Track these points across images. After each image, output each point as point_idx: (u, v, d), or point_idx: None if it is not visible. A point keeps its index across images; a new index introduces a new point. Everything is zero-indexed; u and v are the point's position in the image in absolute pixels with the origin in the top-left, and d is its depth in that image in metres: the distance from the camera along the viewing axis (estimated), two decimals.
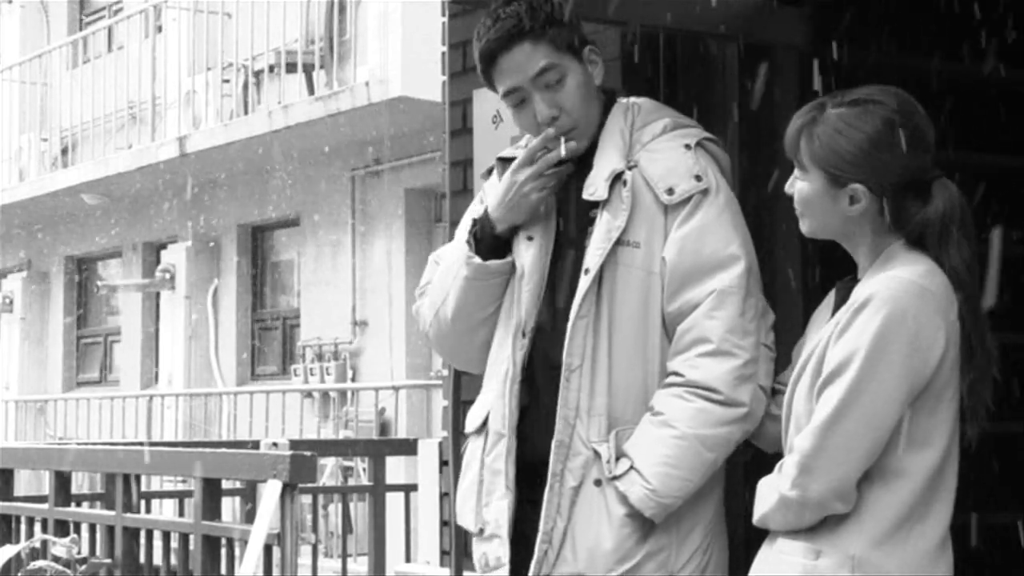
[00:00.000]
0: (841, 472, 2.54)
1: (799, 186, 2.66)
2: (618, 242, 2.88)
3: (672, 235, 2.89)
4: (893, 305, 2.51)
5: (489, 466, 2.95)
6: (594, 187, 2.92)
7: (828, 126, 2.60)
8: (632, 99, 3.08)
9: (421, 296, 3.17)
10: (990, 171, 4.28)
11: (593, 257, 2.88)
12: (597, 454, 2.86)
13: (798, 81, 3.84)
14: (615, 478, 2.84)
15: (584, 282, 2.87)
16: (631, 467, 2.83)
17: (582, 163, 3.00)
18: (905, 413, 2.54)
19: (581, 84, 2.98)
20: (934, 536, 2.57)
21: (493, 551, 2.92)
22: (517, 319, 2.95)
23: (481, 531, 2.97)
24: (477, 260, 2.96)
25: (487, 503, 2.95)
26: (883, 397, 2.52)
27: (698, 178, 2.91)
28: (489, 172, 3.17)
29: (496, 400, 2.96)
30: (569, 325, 2.87)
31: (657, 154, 2.95)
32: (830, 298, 2.78)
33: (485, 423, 3.00)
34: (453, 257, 3.07)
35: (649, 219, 2.90)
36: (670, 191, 2.90)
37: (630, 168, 2.92)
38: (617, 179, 2.91)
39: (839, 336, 2.57)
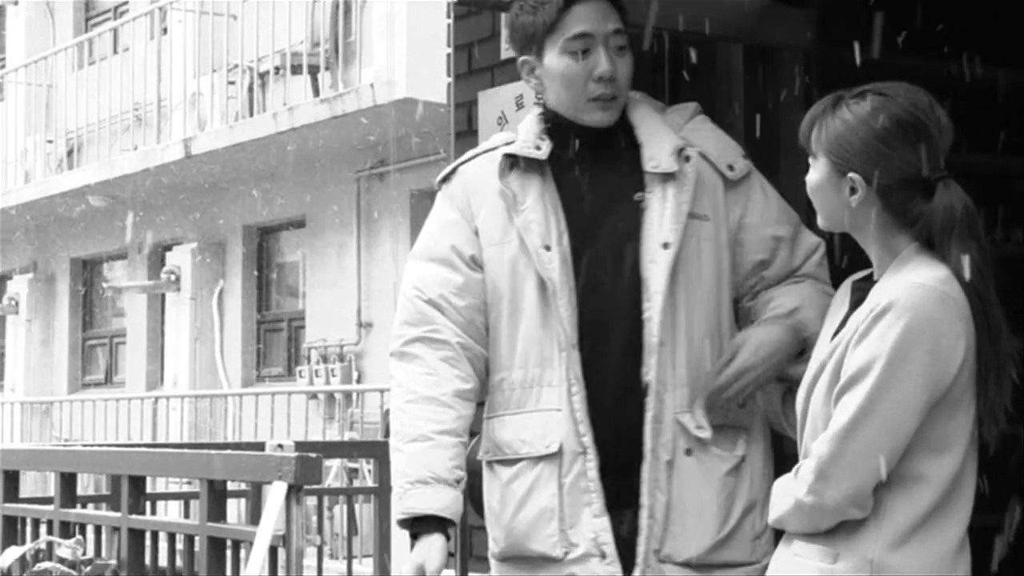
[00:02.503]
0: (858, 479, 2.54)
1: (809, 175, 2.68)
2: (689, 215, 2.93)
3: (749, 206, 3.02)
4: (914, 313, 2.50)
5: (571, 487, 2.92)
6: (657, 160, 2.95)
7: (838, 117, 2.62)
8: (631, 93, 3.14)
9: (401, 359, 3.14)
10: (994, 172, 4.28)
11: (672, 232, 2.91)
12: (681, 425, 2.90)
13: (802, 82, 3.84)
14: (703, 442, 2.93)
15: (666, 256, 2.90)
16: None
17: (609, 144, 3.00)
18: (924, 419, 2.54)
19: (632, 64, 3.03)
20: (953, 538, 2.57)
21: (591, 570, 2.89)
22: (561, 335, 2.93)
23: (566, 554, 2.93)
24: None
25: (573, 524, 2.91)
26: (902, 405, 2.51)
27: (744, 156, 3.06)
28: (444, 180, 3.12)
29: (564, 420, 2.93)
30: (660, 301, 2.89)
31: (703, 134, 3.04)
32: (842, 294, 2.78)
33: (556, 446, 2.94)
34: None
35: (712, 193, 2.98)
36: (731, 167, 3.00)
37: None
38: (679, 154, 2.96)
39: (858, 341, 2.56)
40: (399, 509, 2.96)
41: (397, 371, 3.11)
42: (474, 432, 4.53)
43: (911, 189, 2.59)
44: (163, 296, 14.96)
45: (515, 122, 4.75)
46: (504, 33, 3.12)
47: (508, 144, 3.03)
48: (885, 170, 2.58)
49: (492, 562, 3.11)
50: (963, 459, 2.57)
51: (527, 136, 3.03)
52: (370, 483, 9.10)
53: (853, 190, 2.60)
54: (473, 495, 4.39)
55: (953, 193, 2.58)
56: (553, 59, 2.98)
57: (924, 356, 2.50)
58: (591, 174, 2.99)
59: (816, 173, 2.65)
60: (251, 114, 12.72)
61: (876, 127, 2.58)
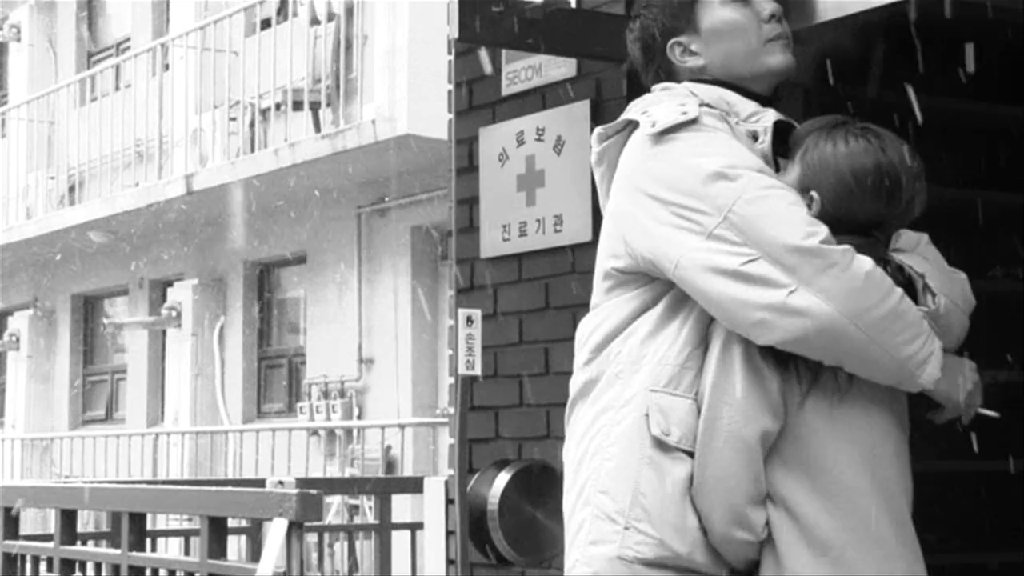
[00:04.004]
0: (726, 501, 2.53)
1: (782, 175, 2.71)
2: None
3: None
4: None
5: None
6: None
7: (831, 140, 2.67)
8: None
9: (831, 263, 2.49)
10: (988, 208, 4.29)
11: None
12: None
13: (801, 118, 3.84)
14: None
15: None
16: None
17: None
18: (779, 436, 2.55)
19: None
20: (871, 562, 2.53)
21: None
22: None
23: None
24: None
25: None
26: (738, 420, 2.52)
27: None
28: (691, 120, 2.67)
29: None
30: None
31: None
32: None
33: None
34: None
35: None
36: None
37: None
38: None
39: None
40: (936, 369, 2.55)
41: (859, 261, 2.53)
42: (474, 469, 4.53)
43: (850, 233, 2.61)
44: (164, 332, 14.96)
45: (516, 158, 4.77)
46: (633, 45, 2.92)
47: (707, 107, 2.73)
48: (840, 203, 2.63)
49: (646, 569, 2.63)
50: (854, 480, 2.55)
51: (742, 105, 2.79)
52: (371, 520, 9.08)
53: (808, 206, 2.63)
54: (474, 531, 4.38)
55: (874, 251, 2.61)
56: (713, 14, 2.82)
57: (750, 371, 2.54)
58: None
59: (787, 174, 2.70)
60: (252, 150, 12.74)
61: (856, 167, 2.64)
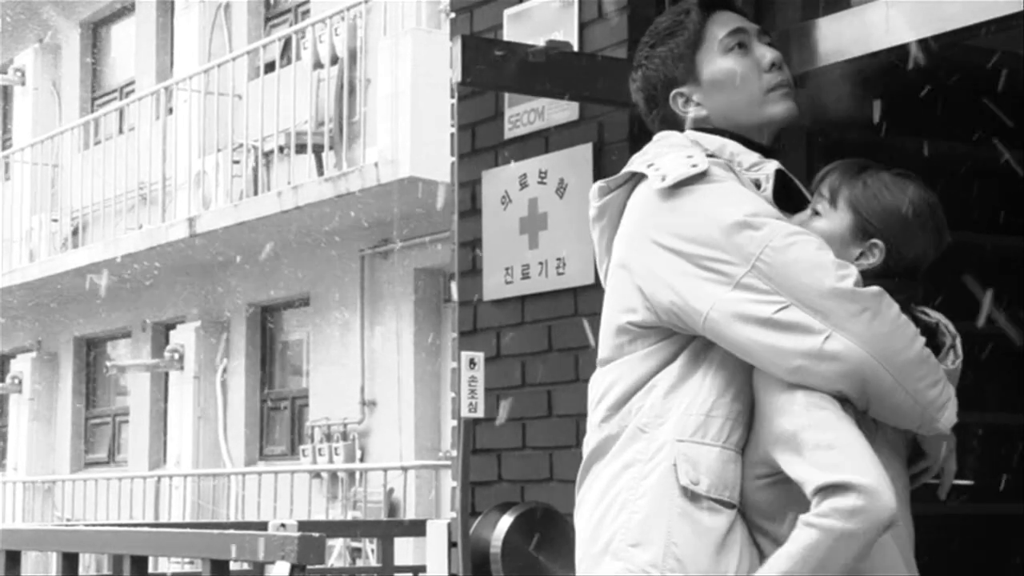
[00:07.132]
0: None
1: (820, 221, 2.64)
2: None
3: None
4: None
5: None
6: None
7: (879, 180, 2.62)
8: None
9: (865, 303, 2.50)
10: (987, 252, 4.30)
11: None
12: None
13: (804, 159, 3.86)
14: None
15: None
16: None
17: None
18: None
19: None
20: None
21: None
22: None
23: None
24: None
25: None
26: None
27: None
28: (702, 173, 2.62)
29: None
30: None
31: None
32: None
33: None
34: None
35: None
36: None
37: None
38: None
39: None
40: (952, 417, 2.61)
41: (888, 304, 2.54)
42: (476, 511, 4.53)
43: (898, 276, 2.60)
44: (166, 374, 14.96)
45: (519, 201, 4.78)
46: (636, 94, 2.88)
47: (711, 157, 2.69)
48: (902, 245, 2.60)
49: None
50: None
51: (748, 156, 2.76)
52: (373, 563, 9.05)
53: (863, 254, 2.60)
54: (476, 574, 4.37)
55: (917, 292, 2.63)
56: (714, 65, 2.78)
57: None
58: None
59: (830, 222, 2.63)
60: (255, 193, 12.78)
61: (910, 201, 2.59)
